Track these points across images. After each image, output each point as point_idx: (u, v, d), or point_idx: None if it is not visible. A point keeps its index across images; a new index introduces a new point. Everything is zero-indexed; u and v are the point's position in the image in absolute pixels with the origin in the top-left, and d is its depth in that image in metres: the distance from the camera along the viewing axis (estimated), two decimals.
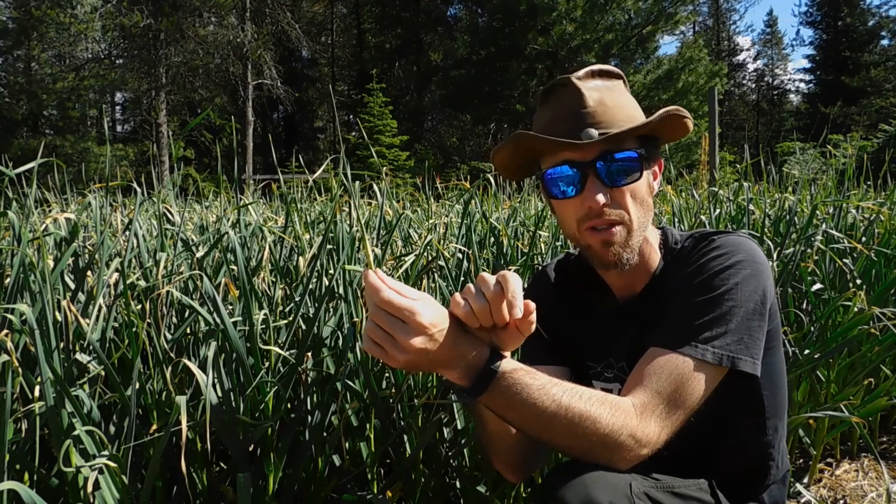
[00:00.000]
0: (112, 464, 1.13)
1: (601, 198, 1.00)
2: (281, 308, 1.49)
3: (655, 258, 1.10)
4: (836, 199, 2.45)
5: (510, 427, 1.01)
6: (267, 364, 1.34)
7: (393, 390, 1.46)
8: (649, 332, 1.00)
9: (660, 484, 0.92)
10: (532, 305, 0.87)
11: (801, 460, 2.13)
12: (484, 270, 1.68)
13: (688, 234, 1.10)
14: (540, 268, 1.29)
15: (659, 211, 2.66)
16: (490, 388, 0.86)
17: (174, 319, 1.44)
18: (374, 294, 0.82)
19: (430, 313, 0.83)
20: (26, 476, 1.18)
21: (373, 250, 1.61)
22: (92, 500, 1.13)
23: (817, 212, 2.24)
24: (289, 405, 1.40)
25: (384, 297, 0.81)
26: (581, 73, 1.06)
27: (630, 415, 0.89)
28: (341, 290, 1.47)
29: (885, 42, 32.92)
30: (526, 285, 1.23)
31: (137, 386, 1.21)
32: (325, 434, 1.41)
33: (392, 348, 0.83)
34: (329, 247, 1.54)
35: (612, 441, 0.87)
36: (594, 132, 0.99)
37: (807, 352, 1.84)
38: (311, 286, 1.46)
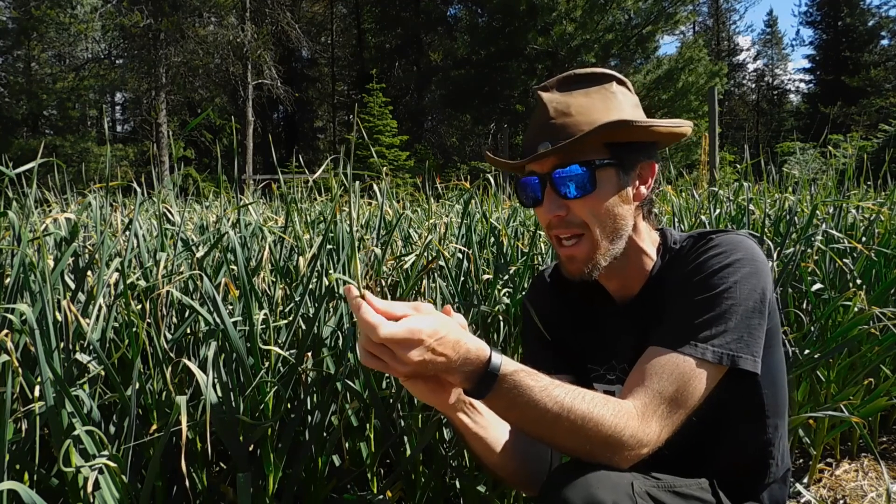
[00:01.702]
0: (112, 464, 1.13)
1: (556, 209, 1.03)
2: (281, 308, 1.48)
3: (649, 261, 1.10)
4: (836, 199, 2.45)
5: (489, 442, 1.04)
6: (267, 364, 1.34)
7: (393, 390, 1.46)
8: (651, 333, 1.00)
9: (661, 483, 0.93)
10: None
11: (801, 460, 2.13)
12: (484, 271, 1.69)
13: (687, 235, 1.11)
14: (536, 274, 1.29)
15: (659, 211, 2.66)
16: (492, 390, 0.86)
17: (174, 319, 1.44)
18: (371, 331, 0.80)
19: (428, 324, 0.82)
20: (26, 476, 1.18)
21: (368, 257, 1.61)
22: (92, 500, 1.12)
23: (817, 212, 2.23)
24: (289, 405, 1.40)
25: (383, 334, 0.79)
26: (552, 81, 1.07)
27: (632, 416, 0.89)
28: (341, 291, 1.47)
29: (885, 42, 32.93)
30: (525, 292, 1.24)
31: (137, 386, 1.21)
32: (325, 434, 1.41)
33: (392, 361, 0.82)
34: (329, 247, 1.54)
35: (614, 442, 0.87)
36: (547, 145, 1.02)
37: (807, 352, 1.83)
38: (311, 286, 1.46)
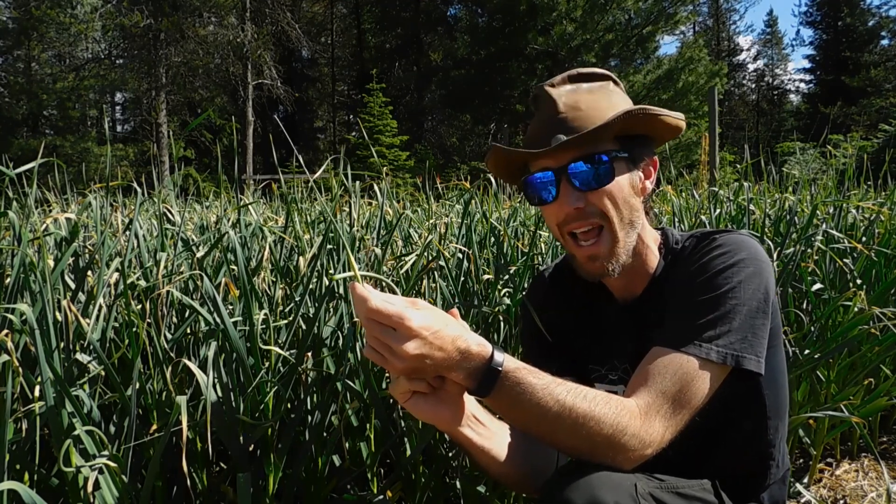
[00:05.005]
0: (112, 464, 1.13)
1: (574, 202, 1.01)
2: (281, 308, 1.48)
3: (654, 259, 1.10)
4: (836, 199, 2.45)
5: (495, 454, 1.04)
6: (267, 364, 1.34)
7: None
8: (653, 333, 1.00)
9: (664, 484, 0.92)
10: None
11: (801, 460, 2.13)
12: (484, 271, 1.69)
13: (688, 234, 1.11)
14: (537, 273, 1.29)
15: (659, 211, 2.66)
16: (495, 387, 0.86)
17: (174, 319, 1.44)
18: (361, 305, 0.81)
19: (421, 317, 0.82)
20: (26, 476, 1.18)
21: (369, 257, 1.61)
22: (92, 500, 1.12)
23: (817, 212, 2.23)
24: (289, 405, 1.40)
25: (372, 306, 0.81)
26: (557, 78, 1.07)
27: (634, 415, 0.88)
28: (341, 290, 1.47)
29: (885, 42, 32.94)
30: (525, 291, 1.23)
31: (137, 386, 1.21)
32: (325, 434, 1.41)
33: (389, 355, 0.83)
34: (329, 247, 1.54)
35: (617, 441, 0.87)
36: (562, 137, 1.01)
37: (807, 352, 1.83)
38: (311, 286, 1.46)
